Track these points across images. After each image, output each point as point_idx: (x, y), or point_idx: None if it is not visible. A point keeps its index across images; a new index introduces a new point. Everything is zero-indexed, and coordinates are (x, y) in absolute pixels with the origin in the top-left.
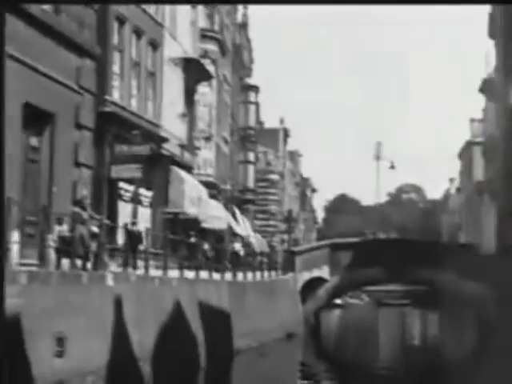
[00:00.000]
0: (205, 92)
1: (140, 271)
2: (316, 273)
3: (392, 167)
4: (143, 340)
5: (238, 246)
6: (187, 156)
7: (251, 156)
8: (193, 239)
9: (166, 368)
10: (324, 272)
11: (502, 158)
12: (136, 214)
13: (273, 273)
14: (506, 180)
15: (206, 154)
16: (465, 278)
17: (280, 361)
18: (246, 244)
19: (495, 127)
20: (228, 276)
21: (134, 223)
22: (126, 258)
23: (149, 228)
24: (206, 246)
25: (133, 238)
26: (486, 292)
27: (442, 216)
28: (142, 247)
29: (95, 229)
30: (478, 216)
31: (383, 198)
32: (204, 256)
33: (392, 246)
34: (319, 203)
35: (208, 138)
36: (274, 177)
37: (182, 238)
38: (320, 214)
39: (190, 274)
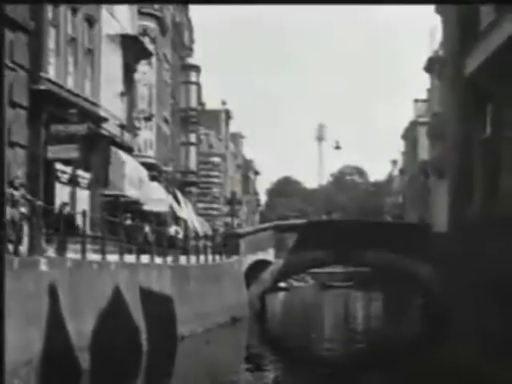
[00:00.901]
0: (145, 71)
1: (77, 255)
2: (261, 255)
3: (337, 148)
4: (81, 328)
5: (174, 230)
6: (127, 136)
7: (193, 137)
8: (128, 221)
9: (105, 357)
10: (269, 255)
11: (451, 135)
12: (73, 196)
13: (217, 256)
14: (454, 157)
15: (147, 134)
16: (413, 257)
17: (225, 346)
18: (184, 227)
19: (441, 104)
20: (170, 260)
21: (65, 204)
22: (61, 242)
23: (86, 210)
24: (147, 229)
25: (63, 220)
26: (433, 272)
27: (386, 198)
28: (77, 230)
29: (24, 210)
30: (423, 195)
31: (327, 180)
32: (145, 239)
33: (337, 227)
34: (263, 186)
35: (148, 118)
36: (217, 159)
37: (122, 221)
38: (264, 197)
39: (130, 258)
